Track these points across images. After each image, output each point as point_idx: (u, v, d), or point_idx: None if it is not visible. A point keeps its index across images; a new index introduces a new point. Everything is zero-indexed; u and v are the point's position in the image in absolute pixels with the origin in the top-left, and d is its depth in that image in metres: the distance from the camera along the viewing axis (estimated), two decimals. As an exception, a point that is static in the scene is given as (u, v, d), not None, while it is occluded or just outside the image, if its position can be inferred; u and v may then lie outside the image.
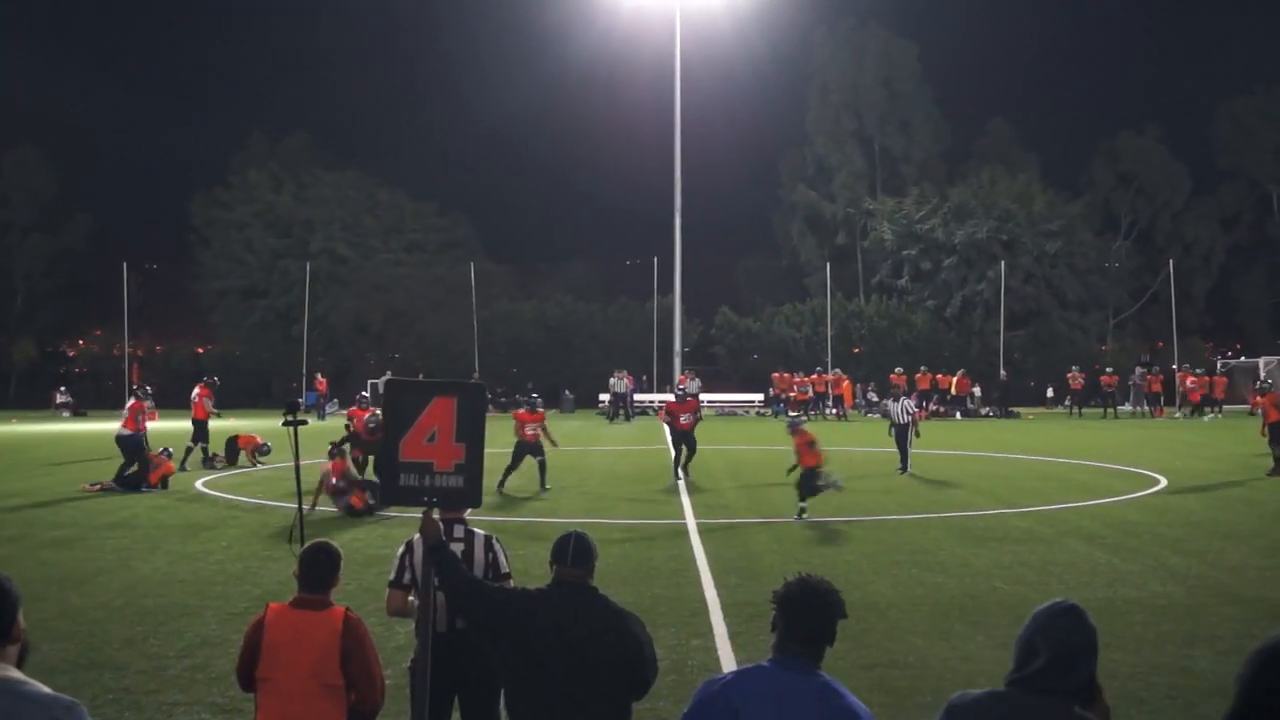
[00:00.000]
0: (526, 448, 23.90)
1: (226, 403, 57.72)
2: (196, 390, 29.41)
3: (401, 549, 7.27)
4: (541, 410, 24.95)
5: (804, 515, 19.12)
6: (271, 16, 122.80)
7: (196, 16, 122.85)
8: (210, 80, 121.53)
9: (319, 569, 6.13)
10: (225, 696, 9.29)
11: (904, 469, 26.70)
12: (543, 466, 23.89)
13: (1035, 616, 4.12)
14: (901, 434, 27.27)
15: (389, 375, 51.05)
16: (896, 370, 51.50)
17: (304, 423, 11.18)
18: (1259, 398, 27.65)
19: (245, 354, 69.71)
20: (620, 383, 52.43)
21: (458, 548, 7.03)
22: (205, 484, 24.84)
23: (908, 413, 27.63)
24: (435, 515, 6.42)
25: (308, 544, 6.43)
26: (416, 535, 6.97)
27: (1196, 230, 75.34)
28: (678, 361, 59.55)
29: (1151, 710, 8.94)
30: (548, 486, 23.58)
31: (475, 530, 7.37)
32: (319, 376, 57.65)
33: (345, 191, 73.58)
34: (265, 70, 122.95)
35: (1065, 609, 4.11)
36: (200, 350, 75.12)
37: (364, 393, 31.84)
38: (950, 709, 4.18)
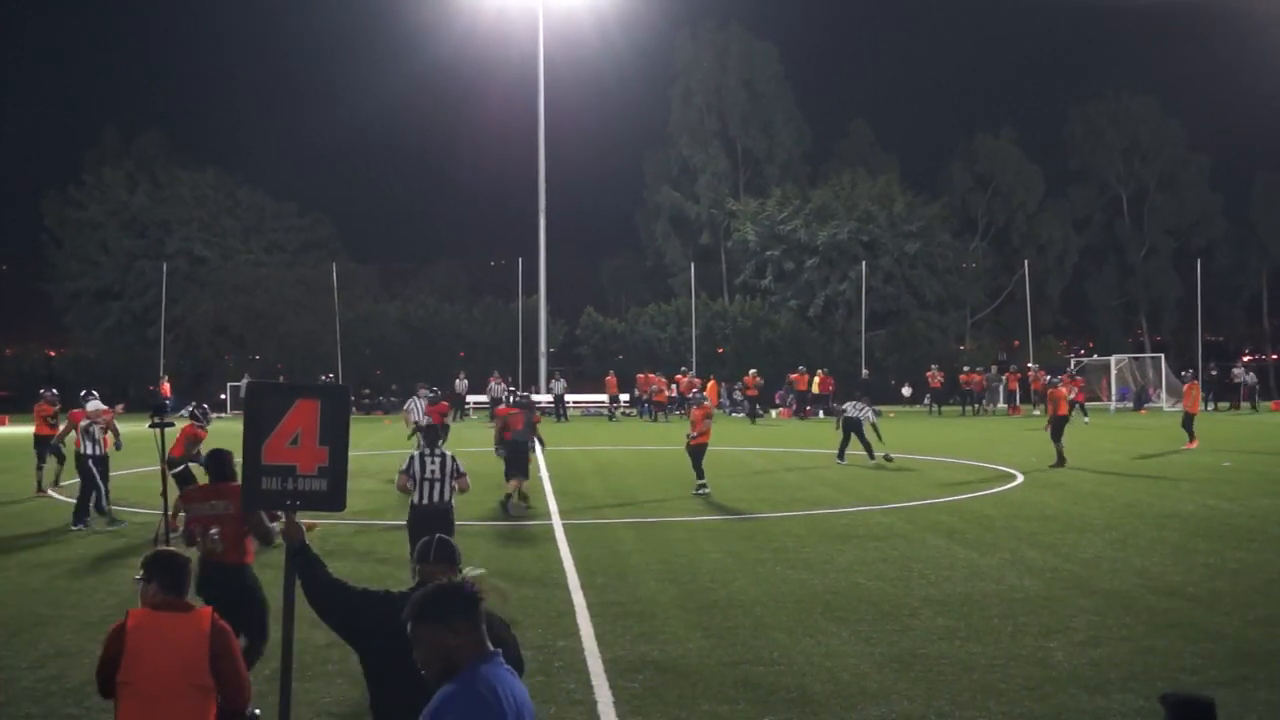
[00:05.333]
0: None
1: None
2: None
3: (411, 454, 13.01)
4: (509, 406, 23.17)
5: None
6: (123, 10, 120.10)
7: (46, 7, 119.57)
8: (59, 75, 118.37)
9: (177, 572, 6.08)
10: (81, 708, 9.07)
11: (872, 455, 28.28)
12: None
13: None
14: (857, 429, 28.55)
15: (247, 379, 50.03)
16: (751, 372, 51.93)
17: (170, 425, 11.05)
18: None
19: (100, 357, 67.87)
20: (498, 386, 52.04)
21: (439, 460, 12.88)
22: (56, 489, 24.05)
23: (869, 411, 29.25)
24: (299, 520, 6.35)
25: (156, 551, 6.34)
26: (418, 451, 13.16)
27: (1050, 231, 76.95)
28: (543, 362, 59.46)
29: (1009, 701, 9.11)
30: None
31: (445, 452, 13.15)
32: (163, 380, 55.55)
33: (203, 191, 72.07)
34: (117, 65, 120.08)
35: None
36: (52, 354, 72.99)
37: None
38: None
